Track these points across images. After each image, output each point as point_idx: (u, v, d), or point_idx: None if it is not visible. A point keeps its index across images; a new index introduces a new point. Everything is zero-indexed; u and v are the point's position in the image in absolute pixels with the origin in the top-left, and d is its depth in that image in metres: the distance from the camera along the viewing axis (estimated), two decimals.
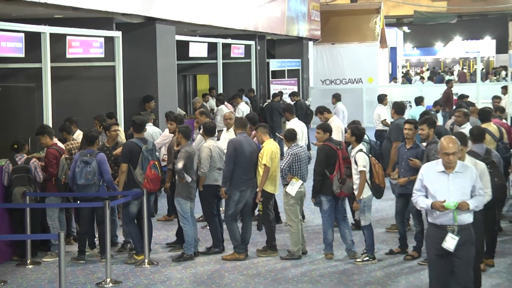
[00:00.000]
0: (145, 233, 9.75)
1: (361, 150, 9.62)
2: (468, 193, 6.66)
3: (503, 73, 35.84)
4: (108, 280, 8.94)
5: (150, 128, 12.48)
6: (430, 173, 6.77)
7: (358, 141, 9.74)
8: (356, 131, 9.80)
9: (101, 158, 9.88)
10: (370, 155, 9.82)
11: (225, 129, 12.02)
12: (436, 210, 6.61)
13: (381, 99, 16.69)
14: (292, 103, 17.83)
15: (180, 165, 9.77)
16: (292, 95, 20.24)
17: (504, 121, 13.34)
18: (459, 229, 6.59)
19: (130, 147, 9.95)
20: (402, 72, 42.48)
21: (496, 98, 15.38)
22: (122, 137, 11.79)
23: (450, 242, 6.56)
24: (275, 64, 24.49)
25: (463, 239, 6.59)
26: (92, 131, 10.27)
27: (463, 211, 6.57)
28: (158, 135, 12.67)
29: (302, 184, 9.96)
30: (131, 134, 10.63)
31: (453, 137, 6.83)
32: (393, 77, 36.02)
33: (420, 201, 6.77)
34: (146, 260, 9.75)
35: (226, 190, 9.91)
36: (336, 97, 18.11)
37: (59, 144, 10.73)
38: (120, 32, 13.47)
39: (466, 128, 10.87)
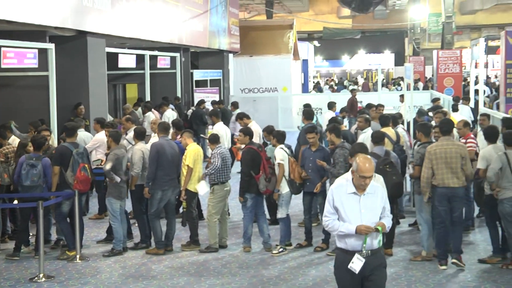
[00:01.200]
0: (77, 231, 9.57)
1: (281, 147, 9.84)
2: (378, 215, 5.84)
3: (401, 83, 36.72)
4: (41, 275, 8.70)
5: (81, 133, 12.23)
6: (340, 194, 5.83)
7: (280, 142, 9.95)
8: (276, 133, 10.06)
9: (46, 162, 9.68)
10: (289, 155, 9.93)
11: (153, 133, 11.89)
12: (350, 235, 5.72)
13: (331, 106, 16.82)
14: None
15: (108, 166, 9.69)
16: (218, 103, 20.14)
17: (401, 126, 13.59)
18: (372, 253, 5.75)
19: (61, 150, 9.75)
20: (313, 82, 43.01)
21: (380, 106, 15.73)
22: (53, 142, 11.53)
23: (357, 264, 5.71)
24: (198, 74, 24.39)
25: (376, 263, 5.79)
26: (41, 138, 10.03)
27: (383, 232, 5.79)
28: (89, 139, 12.44)
29: (228, 182, 10.03)
30: (63, 138, 10.41)
31: (370, 157, 5.98)
32: (313, 87, 36.61)
33: (338, 225, 5.78)
34: (78, 256, 9.55)
35: (149, 189, 9.81)
36: (235, 105, 18.15)
37: None
38: (53, 44, 13.16)
39: (367, 132, 11.07)
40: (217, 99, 22.28)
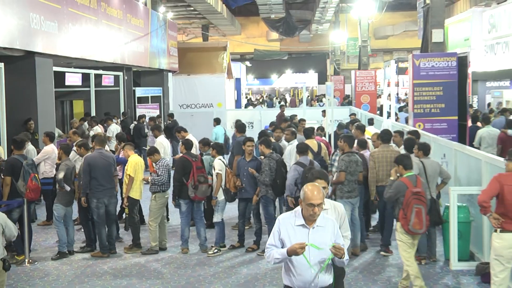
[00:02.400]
0: (26, 236, 9.34)
1: (219, 158, 9.86)
2: (329, 251, 4.75)
3: (324, 99, 37.28)
4: None
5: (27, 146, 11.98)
6: (287, 226, 4.84)
7: (219, 153, 9.97)
8: (215, 145, 10.11)
9: None
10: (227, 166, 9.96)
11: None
12: (294, 265, 4.80)
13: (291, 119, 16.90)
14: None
15: (60, 175, 9.57)
16: (169, 116, 20.65)
17: (323, 138, 13.86)
18: None
19: (12, 162, 9.53)
20: (246, 99, 43.19)
21: (302, 121, 15.91)
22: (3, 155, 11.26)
23: None
24: (140, 92, 24.18)
25: None
26: None
27: (338, 257, 4.71)
28: (33, 152, 12.18)
29: (167, 191, 10.00)
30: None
31: (317, 184, 4.88)
32: (253, 103, 36.91)
33: (274, 253, 4.80)
34: (27, 260, 9.34)
35: (86, 199, 9.70)
36: (154, 120, 18.10)
37: None
38: (3, 64, 12.85)
39: (293, 144, 11.22)
40: (157, 114, 22.16)
